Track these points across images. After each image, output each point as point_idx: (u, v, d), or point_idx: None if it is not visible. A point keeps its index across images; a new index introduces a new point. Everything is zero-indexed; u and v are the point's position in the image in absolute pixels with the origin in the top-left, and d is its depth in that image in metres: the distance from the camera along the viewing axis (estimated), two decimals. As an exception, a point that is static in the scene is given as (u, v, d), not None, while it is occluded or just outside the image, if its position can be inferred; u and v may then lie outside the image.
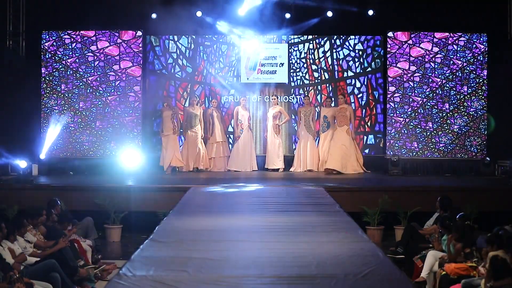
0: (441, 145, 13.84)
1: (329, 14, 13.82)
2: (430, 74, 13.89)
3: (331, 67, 14.24)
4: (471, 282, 6.11)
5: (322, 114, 13.38)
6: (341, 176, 12.26)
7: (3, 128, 12.62)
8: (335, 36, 14.22)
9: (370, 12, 13.80)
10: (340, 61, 14.23)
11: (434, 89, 13.88)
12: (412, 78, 13.91)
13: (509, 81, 13.32)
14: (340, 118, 12.76)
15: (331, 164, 12.58)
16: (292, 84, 14.30)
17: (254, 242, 5.87)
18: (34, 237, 7.37)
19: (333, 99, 13.60)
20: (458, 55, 13.85)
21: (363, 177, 12.57)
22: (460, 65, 13.85)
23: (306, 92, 14.12)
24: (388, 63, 13.94)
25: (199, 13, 13.71)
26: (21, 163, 11.66)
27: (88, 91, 13.88)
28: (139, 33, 13.94)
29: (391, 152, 13.57)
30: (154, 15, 13.62)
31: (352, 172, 12.69)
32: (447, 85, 13.87)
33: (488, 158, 13.23)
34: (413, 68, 13.91)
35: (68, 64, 13.83)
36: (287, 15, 13.79)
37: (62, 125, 13.56)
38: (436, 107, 13.86)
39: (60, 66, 13.84)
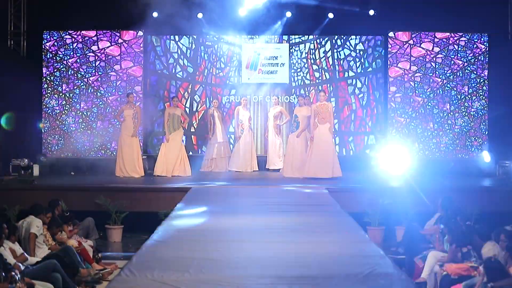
0: (441, 145, 13.84)
1: (330, 15, 13.83)
2: (431, 74, 13.90)
3: (332, 67, 14.25)
4: (471, 283, 6.12)
5: (294, 113, 12.55)
6: (336, 177, 11.96)
7: (4, 128, 12.63)
8: (336, 36, 14.23)
9: (371, 12, 13.81)
10: (341, 61, 14.24)
11: (435, 89, 13.89)
12: (413, 78, 13.92)
13: (510, 81, 13.32)
14: (322, 115, 11.46)
15: (314, 172, 11.40)
16: (293, 84, 14.31)
17: (255, 243, 5.88)
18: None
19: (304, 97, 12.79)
20: (459, 55, 13.86)
21: (364, 178, 12.55)
22: (461, 65, 13.86)
23: (307, 92, 14.13)
24: (389, 63, 13.95)
25: (200, 15, 13.72)
26: (22, 163, 11.66)
27: (89, 91, 13.89)
28: (140, 33, 13.96)
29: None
30: (155, 14, 13.61)
31: (330, 176, 11.39)
32: (448, 85, 13.88)
33: (486, 152, 13.25)
34: (414, 68, 13.92)
35: (69, 64, 13.85)
36: (288, 14, 13.80)
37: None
38: (437, 107, 13.87)
39: (61, 66, 13.86)
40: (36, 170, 12.16)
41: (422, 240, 8.12)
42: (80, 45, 13.91)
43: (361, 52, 14.25)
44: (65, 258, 6.89)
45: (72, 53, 13.88)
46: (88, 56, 13.92)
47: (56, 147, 13.74)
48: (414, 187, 10.02)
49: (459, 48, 13.88)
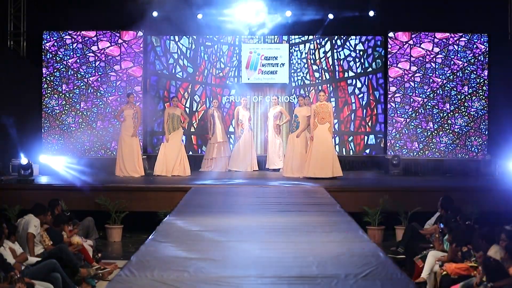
0: (441, 145, 13.84)
1: (330, 16, 13.83)
2: (431, 74, 13.90)
3: (332, 67, 14.25)
4: (468, 283, 6.11)
5: (294, 114, 12.39)
6: (336, 176, 11.90)
7: (4, 128, 12.63)
8: (336, 36, 14.23)
9: (371, 13, 13.81)
10: (341, 61, 14.24)
11: (434, 89, 13.89)
12: (413, 78, 13.92)
13: (510, 81, 13.32)
14: (322, 115, 11.44)
15: (314, 172, 11.36)
16: (293, 84, 14.31)
17: (255, 242, 5.88)
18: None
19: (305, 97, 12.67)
20: (458, 55, 13.86)
21: (364, 177, 12.57)
22: (460, 65, 13.86)
23: (307, 92, 14.13)
24: (389, 63, 13.95)
25: (200, 16, 13.74)
26: (22, 163, 11.65)
27: (89, 91, 13.89)
28: (140, 33, 13.96)
29: (392, 152, 13.59)
30: (155, 13, 13.60)
31: (330, 176, 11.36)
32: (448, 85, 13.88)
33: (488, 156, 13.25)
34: (413, 68, 13.92)
35: (69, 64, 13.85)
36: (288, 13, 13.80)
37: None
38: (436, 107, 13.87)
39: (61, 67, 13.86)
40: (36, 170, 12.17)
41: (422, 240, 8.13)
42: (80, 46, 13.91)
43: (361, 52, 14.25)
44: (62, 256, 6.89)
45: (72, 53, 13.88)
46: (88, 57, 13.91)
47: (56, 147, 13.73)
48: None
49: (459, 48, 13.87)
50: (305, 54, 14.27)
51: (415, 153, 13.85)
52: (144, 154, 13.40)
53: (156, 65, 14.30)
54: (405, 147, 13.85)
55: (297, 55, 14.29)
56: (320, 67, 14.27)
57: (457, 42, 13.87)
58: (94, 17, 13.55)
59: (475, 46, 13.85)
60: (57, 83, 13.87)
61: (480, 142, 13.78)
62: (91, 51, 13.91)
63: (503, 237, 6.28)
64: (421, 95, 13.90)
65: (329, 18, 13.86)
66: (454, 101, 13.86)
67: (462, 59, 13.85)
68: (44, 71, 13.84)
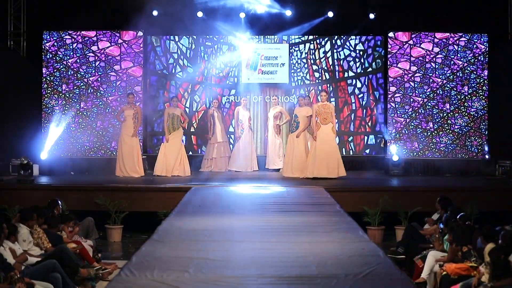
0: (441, 145, 13.84)
1: (330, 14, 13.83)
2: (431, 74, 13.90)
3: (331, 67, 14.24)
4: (468, 283, 6.11)
5: (294, 114, 12.39)
6: (341, 176, 11.97)
7: (4, 128, 12.63)
8: (336, 36, 14.23)
9: (371, 16, 13.78)
10: (341, 61, 14.24)
11: (434, 89, 13.88)
12: (412, 78, 13.91)
13: (510, 81, 13.33)
14: (324, 115, 11.46)
15: (319, 172, 11.35)
16: (293, 84, 14.31)
17: (255, 242, 5.89)
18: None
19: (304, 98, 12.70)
20: (458, 55, 13.86)
21: (364, 177, 12.56)
22: (460, 65, 13.85)
23: (307, 92, 14.13)
24: (388, 63, 13.94)
25: (200, 14, 13.74)
26: (22, 163, 11.66)
27: (89, 91, 13.89)
28: (140, 33, 13.95)
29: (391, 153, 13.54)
30: (155, 13, 13.58)
31: (335, 176, 11.43)
32: (448, 85, 13.87)
33: (487, 156, 13.26)
34: (413, 68, 13.92)
35: (69, 64, 13.84)
36: (288, 13, 13.78)
37: (63, 125, 13.58)
38: (436, 107, 13.87)
39: (61, 67, 13.86)
40: (36, 170, 12.17)
41: (422, 240, 8.13)
42: (80, 46, 13.90)
43: (361, 52, 14.24)
44: (62, 257, 6.88)
45: (72, 53, 13.88)
46: (88, 57, 13.91)
47: (56, 146, 13.71)
48: None
49: (459, 48, 13.87)
50: (305, 54, 14.27)
51: (415, 153, 13.84)
52: (144, 154, 13.40)
53: (156, 65, 14.30)
54: (405, 147, 13.84)
55: (297, 55, 14.29)
56: (320, 67, 14.27)
57: (457, 42, 13.87)
58: (94, 17, 13.54)
59: (475, 46, 13.84)
60: (57, 83, 13.86)
61: (480, 142, 13.78)
62: (91, 51, 13.91)
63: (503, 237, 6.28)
64: (421, 95, 13.90)
65: (328, 16, 13.82)
66: (454, 101, 13.86)
67: (462, 59, 13.85)
68: (44, 71, 13.83)
